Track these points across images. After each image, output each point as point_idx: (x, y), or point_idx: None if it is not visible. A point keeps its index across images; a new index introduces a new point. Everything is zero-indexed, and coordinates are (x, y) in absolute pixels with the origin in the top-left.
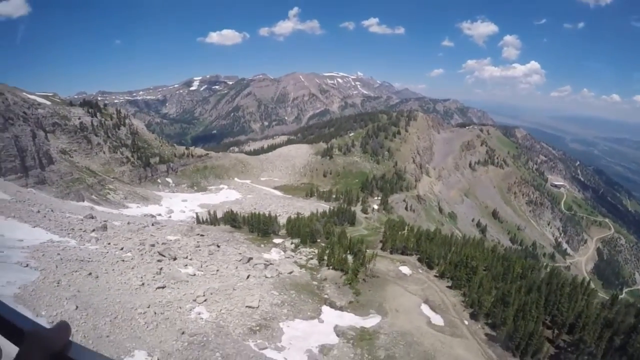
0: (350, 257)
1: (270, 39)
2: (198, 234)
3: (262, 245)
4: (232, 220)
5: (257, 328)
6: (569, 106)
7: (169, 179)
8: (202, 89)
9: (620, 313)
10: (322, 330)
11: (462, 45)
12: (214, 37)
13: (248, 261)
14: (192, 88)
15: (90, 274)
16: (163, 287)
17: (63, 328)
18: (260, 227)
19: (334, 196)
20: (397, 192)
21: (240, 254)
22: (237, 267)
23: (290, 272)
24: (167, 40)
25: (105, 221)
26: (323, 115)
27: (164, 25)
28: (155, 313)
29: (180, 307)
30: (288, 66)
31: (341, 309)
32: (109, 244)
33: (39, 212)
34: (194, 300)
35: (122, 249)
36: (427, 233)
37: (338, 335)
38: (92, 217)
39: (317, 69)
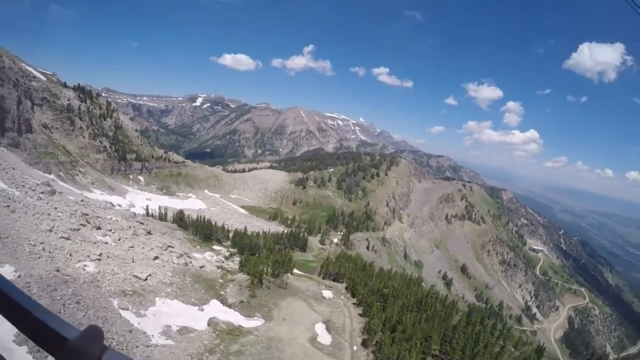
0: (268, 269)
1: (281, 70)
2: (138, 222)
3: (198, 247)
4: (179, 219)
5: (130, 293)
6: (562, 177)
7: (140, 177)
8: (204, 106)
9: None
10: (195, 316)
11: (465, 105)
12: (227, 58)
13: (167, 248)
14: (195, 104)
15: (8, 206)
16: (67, 239)
17: (98, 334)
18: (204, 231)
19: (296, 224)
20: (362, 230)
21: (165, 243)
22: (152, 249)
23: (202, 267)
24: (182, 52)
25: (60, 192)
26: (316, 153)
27: (182, 37)
28: (43, 249)
29: (70, 255)
30: (293, 100)
31: (230, 306)
32: (47, 203)
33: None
34: (88, 256)
35: (56, 208)
36: (363, 264)
37: (208, 325)
38: (49, 186)
39: (320, 107)
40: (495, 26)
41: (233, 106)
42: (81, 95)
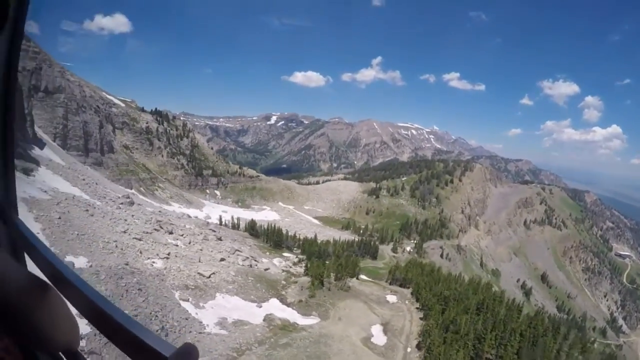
0: (330, 272)
1: (351, 84)
2: (210, 229)
3: (268, 253)
4: (251, 228)
5: (192, 287)
6: None
7: (217, 192)
8: (279, 124)
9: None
10: (252, 312)
11: (541, 105)
12: (298, 76)
13: (234, 252)
14: (269, 122)
15: (87, 211)
16: (139, 239)
17: (193, 353)
18: (274, 239)
19: (368, 232)
20: (436, 238)
21: (233, 247)
22: (220, 252)
23: (267, 269)
24: (254, 74)
25: (139, 204)
26: (390, 164)
27: (253, 59)
28: (116, 246)
29: (140, 253)
30: (365, 112)
31: (288, 305)
32: (125, 211)
33: (84, 179)
34: (157, 255)
35: (132, 216)
36: (430, 269)
37: (264, 320)
38: (128, 198)
39: (393, 118)
40: (563, 17)
41: (306, 122)
42: (158, 118)
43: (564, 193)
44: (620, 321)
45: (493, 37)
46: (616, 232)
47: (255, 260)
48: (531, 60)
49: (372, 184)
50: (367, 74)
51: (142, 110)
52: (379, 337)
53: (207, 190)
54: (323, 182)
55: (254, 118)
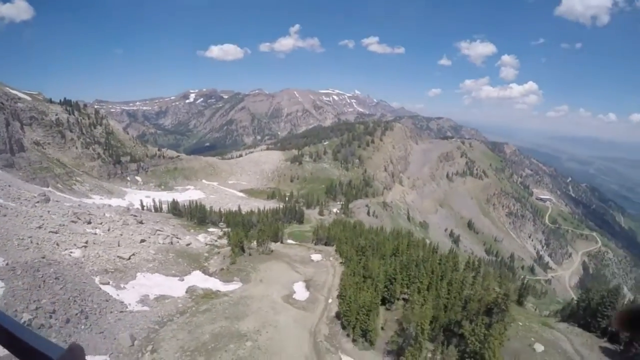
0: (251, 238)
1: (270, 55)
2: (132, 215)
3: (192, 230)
4: (174, 208)
5: (112, 270)
6: (566, 126)
7: (138, 178)
8: (198, 101)
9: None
10: (175, 286)
11: (460, 64)
12: (214, 50)
13: (155, 232)
14: (188, 101)
15: None
16: (55, 232)
17: (79, 354)
18: (198, 215)
19: (294, 199)
20: (362, 198)
21: (154, 228)
22: (140, 235)
23: (188, 244)
24: (168, 52)
25: (56, 200)
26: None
27: (165, 36)
28: (31, 242)
29: (57, 245)
30: (286, 82)
31: (210, 274)
32: (41, 209)
33: None
34: (74, 245)
35: (48, 211)
36: (353, 225)
37: (186, 292)
38: (44, 196)
39: (315, 86)
40: None
41: (226, 97)
42: (68, 108)
43: (483, 146)
44: (547, 258)
45: None
46: (535, 179)
47: (177, 238)
48: (449, 21)
49: (295, 152)
50: (286, 43)
51: (50, 101)
52: (300, 293)
53: (128, 178)
54: (246, 155)
55: (172, 98)
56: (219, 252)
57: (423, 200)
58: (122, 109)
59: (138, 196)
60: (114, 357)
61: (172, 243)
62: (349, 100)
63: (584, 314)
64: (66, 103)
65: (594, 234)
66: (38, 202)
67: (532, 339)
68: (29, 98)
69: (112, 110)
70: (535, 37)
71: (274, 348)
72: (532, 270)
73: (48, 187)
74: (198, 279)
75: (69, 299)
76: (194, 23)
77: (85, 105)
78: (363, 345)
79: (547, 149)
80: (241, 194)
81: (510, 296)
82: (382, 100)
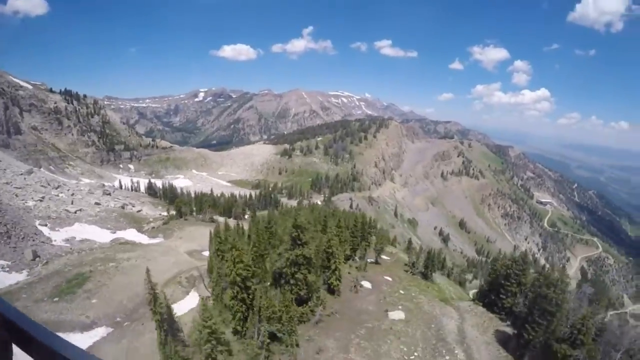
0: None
1: (282, 56)
2: (104, 189)
3: (160, 207)
4: (149, 189)
5: (54, 218)
6: (577, 134)
7: (130, 165)
8: (206, 100)
9: None
10: (104, 235)
11: (472, 69)
12: (226, 50)
13: (113, 199)
14: (197, 99)
15: None
16: (19, 188)
17: None
18: (169, 196)
19: (277, 190)
20: (348, 191)
21: (116, 198)
22: (98, 200)
23: (139, 211)
24: (181, 51)
25: (41, 177)
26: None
27: (179, 36)
28: None
29: (16, 195)
30: (296, 83)
31: (143, 232)
32: (24, 179)
33: None
34: (31, 198)
35: (25, 179)
36: (312, 209)
37: (111, 240)
38: (30, 170)
39: (325, 88)
40: None
41: (234, 96)
42: (67, 98)
43: (484, 147)
44: (542, 261)
45: (424, 3)
46: (537, 182)
47: (132, 206)
48: (462, 26)
49: (286, 146)
50: (298, 45)
51: (51, 91)
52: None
53: (121, 165)
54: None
55: (182, 96)
56: (163, 219)
57: (414, 198)
58: (131, 105)
59: (125, 181)
60: (15, 263)
61: (123, 208)
62: (357, 103)
63: (489, 291)
64: (66, 93)
65: (595, 239)
66: (21, 173)
67: (400, 307)
68: (30, 87)
69: (121, 106)
70: (549, 43)
71: (132, 269)
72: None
73: (40, 167)
74: (129, 234)
75: (3, 226)
76: (208, 23)
77: (84, 96)
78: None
79: (557, 155)
80: (227, 184)
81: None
82: (391, 104)
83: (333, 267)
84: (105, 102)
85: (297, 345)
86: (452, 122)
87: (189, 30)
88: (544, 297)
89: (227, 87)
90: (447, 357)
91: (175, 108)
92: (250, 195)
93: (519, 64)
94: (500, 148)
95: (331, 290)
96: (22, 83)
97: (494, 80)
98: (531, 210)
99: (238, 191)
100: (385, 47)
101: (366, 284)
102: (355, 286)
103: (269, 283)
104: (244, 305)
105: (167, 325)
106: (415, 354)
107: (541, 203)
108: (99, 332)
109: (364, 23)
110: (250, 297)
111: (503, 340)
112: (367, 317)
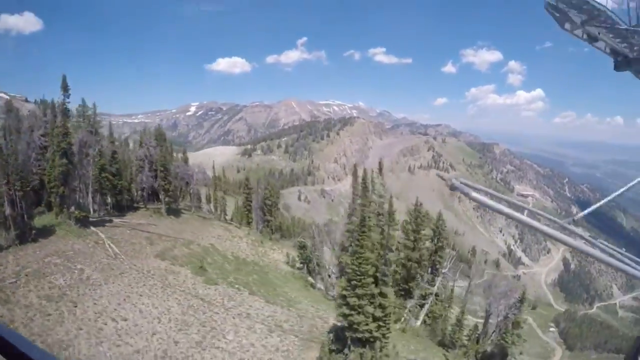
0: None
1: (276, 67)
2: None
3: None
4: None
5: None
6: (572, 132)
7: None
8: (198, 114)
9: None
10: None
11: (465, 72)
12: (221, 63)
13: None
14: (188, 113)
15: None
16: None
17: None
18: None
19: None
20: (301, 185)
21: None
22: None
23: None
24: (174, 65)
25: None
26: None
27: (172, 50)
28: None
29: None
30: (290, 94)
31: None
32: None
33: None
34: None
35: None
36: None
37: None
38: None
39: (320, 97)
40: None
41: (225, 109)
42: (40, 107)
43: (461, 143)
44: (520, 253)
45: (417, 8)
46: (518, 175)
47: None
48: (454, 29)
49: (248, 146)
50: (292, 55)
51: (26, 100)
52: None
53: None
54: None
55: (173, 111)
56: None
57: None
58: (123, 121)
59: None
60: None
61: None
62: (349, 111)
63: None
64: (42, 103)
65: (580, 229)
66: None
67: None
68: (7, 97)
69: (113, 122)
70: (541, 42)
71: None
72: (497, 264)
73: None
74: None
75: None
76: (203, 38)
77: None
78: None
79: (552, 154)
80: None
81: None
82: (385, 111)
83: None
84: (97, 119)
85: None
86: (442, 125)
87: (184, 45)
88: None
89: (219, 100)
90: None
91: (167, 122)
92: None
93: (512, 64)
94: (485, 145)
95: None
96: None
97: (488, 82)
98: (507, 201)
99: None
100: (379, 54)
101: None
102: None
103: None
104: None
105: None
106: None
107: (522, 195)
108: None
109: (357, 31)
110: None
111: None
112: None
